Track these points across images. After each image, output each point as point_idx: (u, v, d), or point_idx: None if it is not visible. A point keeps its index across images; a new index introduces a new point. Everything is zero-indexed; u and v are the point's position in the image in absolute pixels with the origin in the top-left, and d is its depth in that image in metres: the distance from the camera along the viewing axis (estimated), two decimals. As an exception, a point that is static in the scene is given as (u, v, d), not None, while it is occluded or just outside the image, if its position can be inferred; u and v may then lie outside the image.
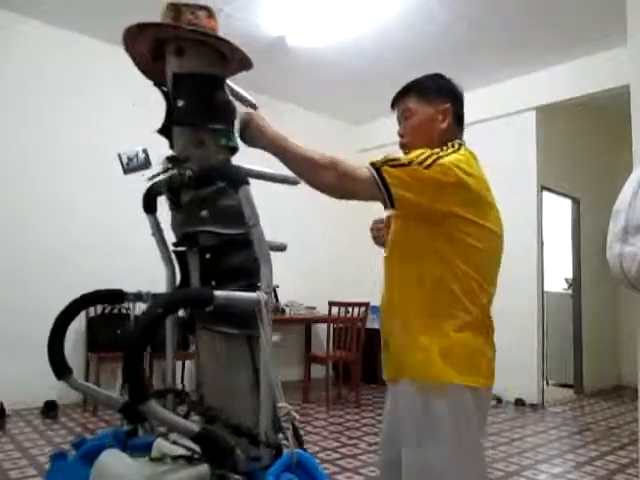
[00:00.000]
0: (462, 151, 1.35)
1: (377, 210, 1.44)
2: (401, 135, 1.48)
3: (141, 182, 1.48)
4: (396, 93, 1.50)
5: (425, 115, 1.43)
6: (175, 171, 1.31)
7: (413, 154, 1.30)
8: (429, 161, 1.26)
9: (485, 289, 1.35)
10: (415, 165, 1.25)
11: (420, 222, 1.34)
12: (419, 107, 1.44)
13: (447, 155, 1.29)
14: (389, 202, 1.26)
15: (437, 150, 1.31)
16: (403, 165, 1.26)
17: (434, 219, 1.30)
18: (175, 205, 1.35)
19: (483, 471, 1.43)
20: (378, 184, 1.24)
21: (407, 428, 1.31)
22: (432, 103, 1.43)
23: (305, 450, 1.21)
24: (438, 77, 1.50)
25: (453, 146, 1.37)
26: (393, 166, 1.26)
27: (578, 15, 4.21)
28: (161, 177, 1.37)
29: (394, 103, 1.51)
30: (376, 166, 1.26)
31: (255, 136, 1.30)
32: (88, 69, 4.70)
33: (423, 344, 1.30)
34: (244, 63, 1.37)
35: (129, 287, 1.51)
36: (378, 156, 1.31)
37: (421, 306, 1.33)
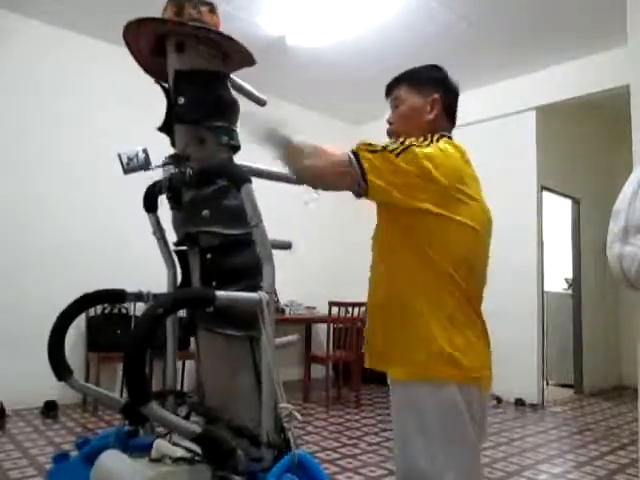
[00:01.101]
0: (441, 144, 1.32)
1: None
2: (390, 123, 1.49)
3: (141, 182, 1.48)
4: (390, 81, 1.51)
5: (413, 104, 1.44)
6: (176, 170, 1.30)
7: (388, 141, 1.30)
8: (400, 149, 1.25)
9: (466, 283, 1.33)
10: (387, 152, 1.25)
11: (395, 216, 1.33)
12: (408, 96, 1.45)
13: (420, 145, 1.28)
14: (364, 184, 1.24)
15: (413, 139, 1.30)
16: (376, 151, 1.25)
17: (404, 210, 1.28)
18: (176, 204, 1.34)
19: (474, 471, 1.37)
20: (355, 168, 1.23)
21: (399, 423, 1.33)
22: (421, 93, 1.44)
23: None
24: (432, 68, 1.50)
25: (433, 138, 1.35)
26: (369, 151, 1.25)
27: (578, 15, 4.20)
28: (162, 176, 1.36)
29: (387, 92, 1.52)
30: (354, 150, 1.26)
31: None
32: (88, 69, 4.69)
33: (406, 340, 1.31)
34: (246, 60, 1.36)
35: (130, 287, 1.50)
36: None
37: (403, 301, 1.33)
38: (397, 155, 1.24)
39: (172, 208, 1.36)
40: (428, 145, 1.30)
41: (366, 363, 1.46)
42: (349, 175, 1.24)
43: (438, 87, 1.45)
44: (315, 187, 1.35)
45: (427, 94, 1.43)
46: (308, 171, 1.29)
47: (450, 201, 1.29)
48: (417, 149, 1.26)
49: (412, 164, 1.24)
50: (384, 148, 1.25)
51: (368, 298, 1.46)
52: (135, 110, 4.67)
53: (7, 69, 4.34)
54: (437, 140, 1.34)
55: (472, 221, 1.33)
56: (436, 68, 1.50)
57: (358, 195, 1.29)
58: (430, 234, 1.30)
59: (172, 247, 1.42)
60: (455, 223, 1.30)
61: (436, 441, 1.25)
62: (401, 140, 1.28)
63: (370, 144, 1.27)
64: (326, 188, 1.32)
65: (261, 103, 1.49)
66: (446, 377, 1.26)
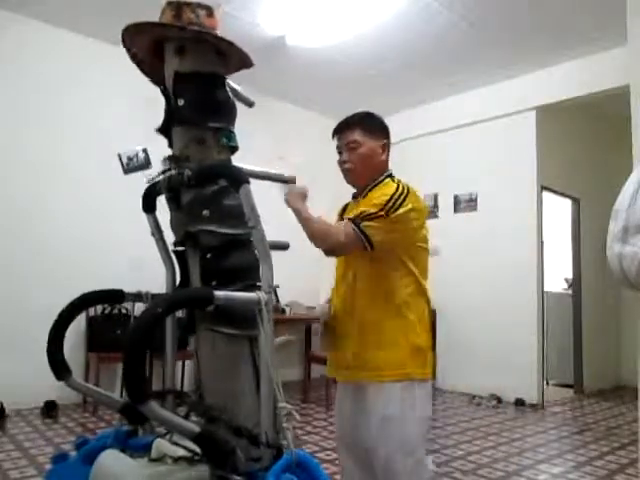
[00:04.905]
0: (402, 183, 1.64)
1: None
2: (345, 162, 1.72)
3: (141, 182, 1.48)
4: (341, 124, 1.74)
5: (370, 148, 1.70)
6: (174, 171, 1.31)
7: (380, 201, 1.56)
8: (397, 203, 1.55)
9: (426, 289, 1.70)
10: (391, 214, 1.54)
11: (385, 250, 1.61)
12: (365, 140, 1.69)
13: (403, 192, 1.58)
14: (369, 247, 1.56)
15: (393, 190, 1.59)
16: (380, 217, 1.54)
17: (401, 243, 1.62)
18: (175, 205, 1.34)
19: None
20: (362, 240, 1.54)
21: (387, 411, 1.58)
22: (376, 138, 1.71)
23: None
24: (374, 116, 1.77)
25: (392, 178, 1.70)
26: (371, 219, 1.54)
27: (578, 15, 4.20)
28: (160, 177, 1.37)
29: (338, 132, 1.74)
30: (357, 223, 1.55)
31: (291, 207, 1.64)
32: (88, 69, 4.69)
33: (393, 344, 1.61)
34: (244, 62, 1.38)
35: (129, 287, 1.50)
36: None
37: (384, 310, 1.63)
38: (397, 209, 1.54)
39: (171, 209, 1.36)
40: (401, 186, 1.61)
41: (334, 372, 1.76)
42: (356, 244, 1.57)
43: (386, 133, 1.75)
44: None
45: (379, 139, 1.72)
46: (322, 247, 1.63)
47: (423, 219, 1.68)
48: (403, 194, 1.58)
49: (406, 208, 1.56)
50: (387, 212, 1.54)
51: (338, 307, 1.75)
52: (134, 110, 4.66)
53: (7, 69, 4.34)
54: (398, 181, 1.67)
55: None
56: (377, 116, 1.77)
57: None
58: (415, 251, 1.65)
59: (171, 247, 1.42)
60: (425, 238, 1.70)
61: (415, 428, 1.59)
62: (393, 198, 1.56)
63: (370, 213, 1.55)
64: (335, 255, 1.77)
65: (249, 104, 1.52)
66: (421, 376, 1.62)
